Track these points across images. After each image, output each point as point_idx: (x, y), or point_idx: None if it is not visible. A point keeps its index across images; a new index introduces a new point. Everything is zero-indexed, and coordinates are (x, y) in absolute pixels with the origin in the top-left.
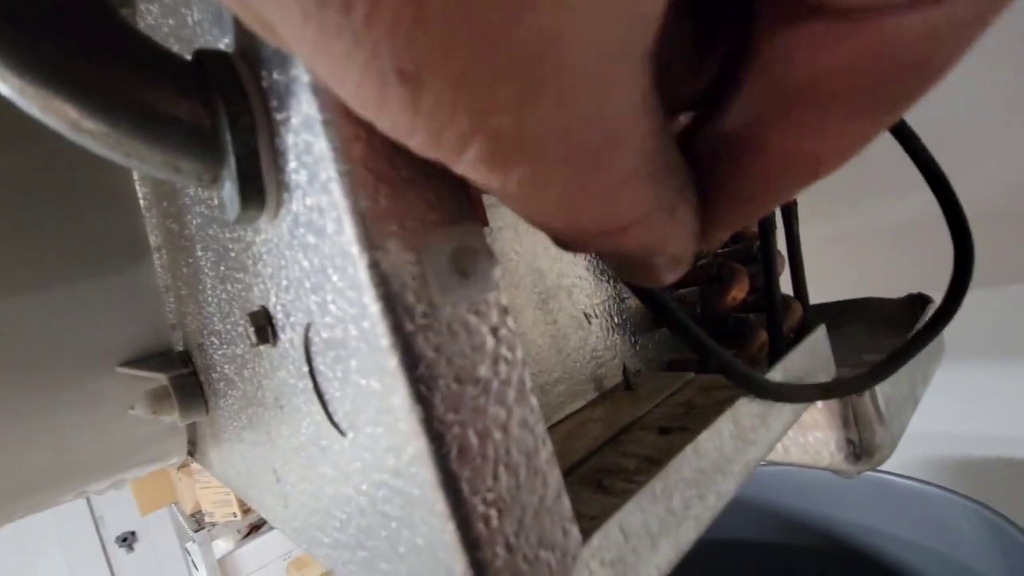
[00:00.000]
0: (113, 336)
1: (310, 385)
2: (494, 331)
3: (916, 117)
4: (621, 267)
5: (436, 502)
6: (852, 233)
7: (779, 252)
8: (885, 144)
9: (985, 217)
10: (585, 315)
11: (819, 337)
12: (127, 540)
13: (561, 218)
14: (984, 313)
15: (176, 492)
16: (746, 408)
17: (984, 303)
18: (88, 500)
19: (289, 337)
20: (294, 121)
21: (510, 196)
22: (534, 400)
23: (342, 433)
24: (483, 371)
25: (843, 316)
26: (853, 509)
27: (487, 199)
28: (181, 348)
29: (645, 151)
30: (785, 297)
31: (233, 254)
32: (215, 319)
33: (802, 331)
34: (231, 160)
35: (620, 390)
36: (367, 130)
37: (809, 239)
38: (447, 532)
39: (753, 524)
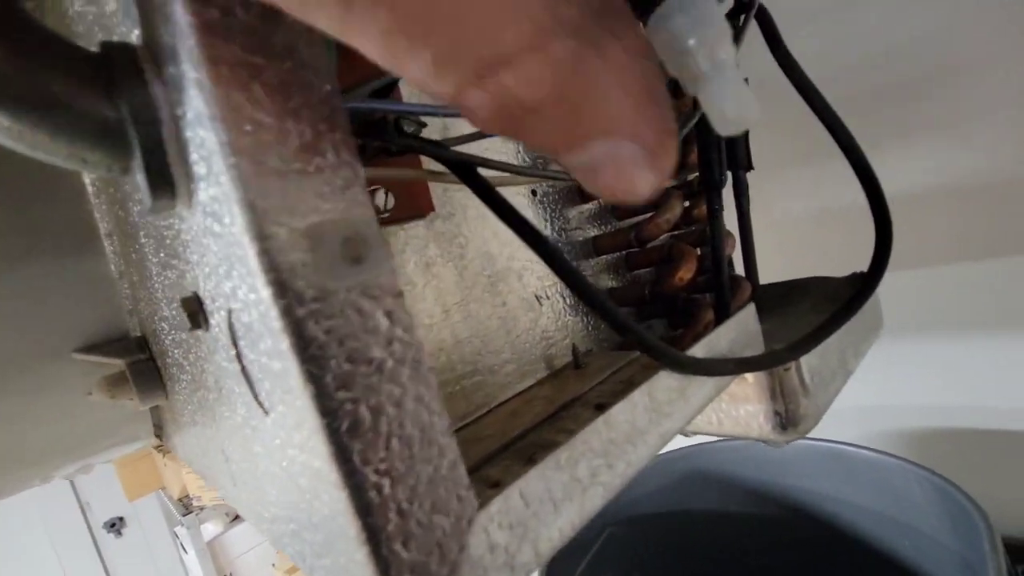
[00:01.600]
0: (67, 323)
1: (239, 368)
2: (388, 314)
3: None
4: (580, 170)
5: (331, 473)
6: (805, 216)
7: (730, 233)
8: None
9: (936, 196)
10: (536, 297)
11: (748, 315)
12: (115, 526)
13: (430, 41)
14: (932, 290)
15: (162, 477)
16: (664, 382)
17: (932, 281)
18: (74, 487)
19: (217, 321)
20: (189, 116)
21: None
22: (431, 377)
23: (265, 412)
24: (376, 352)
25: (791, 295)
26: (811, 479)
27: (439, 190)
28: (138, 334)
29: None
30: (736, 277)
31: (168, 241)
32: (163, 305)
33: None
34: (137, 152)
35: (569, 369)
36: (255, 124)
37: (764, 222)
38: (341, 500)
39: (716, 496)
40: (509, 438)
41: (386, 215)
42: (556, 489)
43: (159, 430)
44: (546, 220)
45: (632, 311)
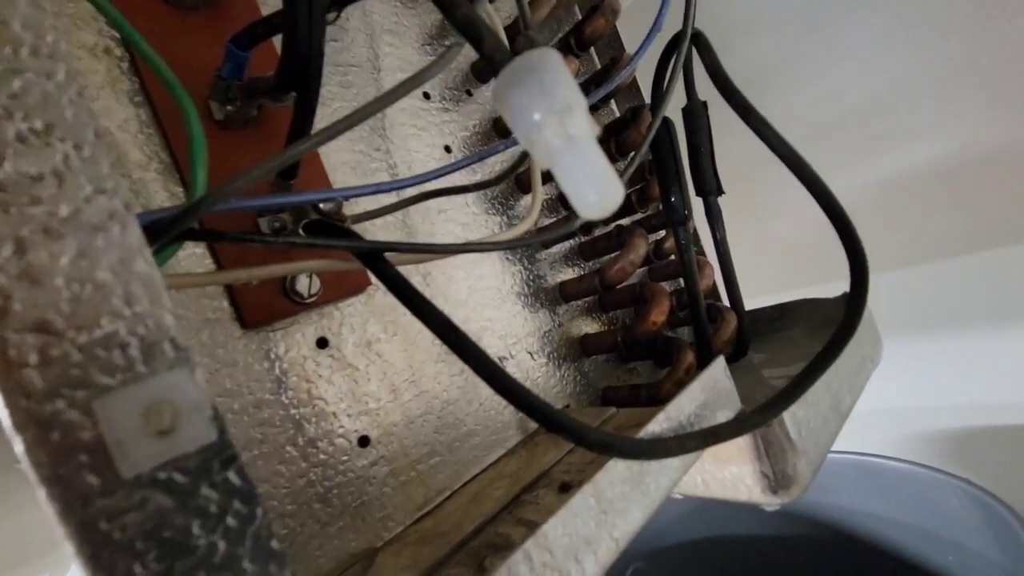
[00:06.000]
0: None
1: None
2: (216, 486)
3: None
4: None
5: None
6: (802, 223)
7: (707, 262)
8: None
9: (949, 181)
10: (499, 359)
11: (716, 371)
12: None
13: None
14: (948, 284)
15: None
16: (613, 474)
17: (955, 273)
18: None
19: None
20: None
21: None
22: (282, 550)
23: None
24: (201, 537)
25: (783, 319)
26: (844, 495)
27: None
28: None
29: None
30: (719, 307)
31: None
32: None
33: (740, 341)
34: None
35: (542, 433)
36: (5, 294)
37: (757, 235)
38: None
39: (744, 520)
40: (466, 534)
41: (312, 299)
42: None
43: None
44: (507, 271)
45: (613, 355)
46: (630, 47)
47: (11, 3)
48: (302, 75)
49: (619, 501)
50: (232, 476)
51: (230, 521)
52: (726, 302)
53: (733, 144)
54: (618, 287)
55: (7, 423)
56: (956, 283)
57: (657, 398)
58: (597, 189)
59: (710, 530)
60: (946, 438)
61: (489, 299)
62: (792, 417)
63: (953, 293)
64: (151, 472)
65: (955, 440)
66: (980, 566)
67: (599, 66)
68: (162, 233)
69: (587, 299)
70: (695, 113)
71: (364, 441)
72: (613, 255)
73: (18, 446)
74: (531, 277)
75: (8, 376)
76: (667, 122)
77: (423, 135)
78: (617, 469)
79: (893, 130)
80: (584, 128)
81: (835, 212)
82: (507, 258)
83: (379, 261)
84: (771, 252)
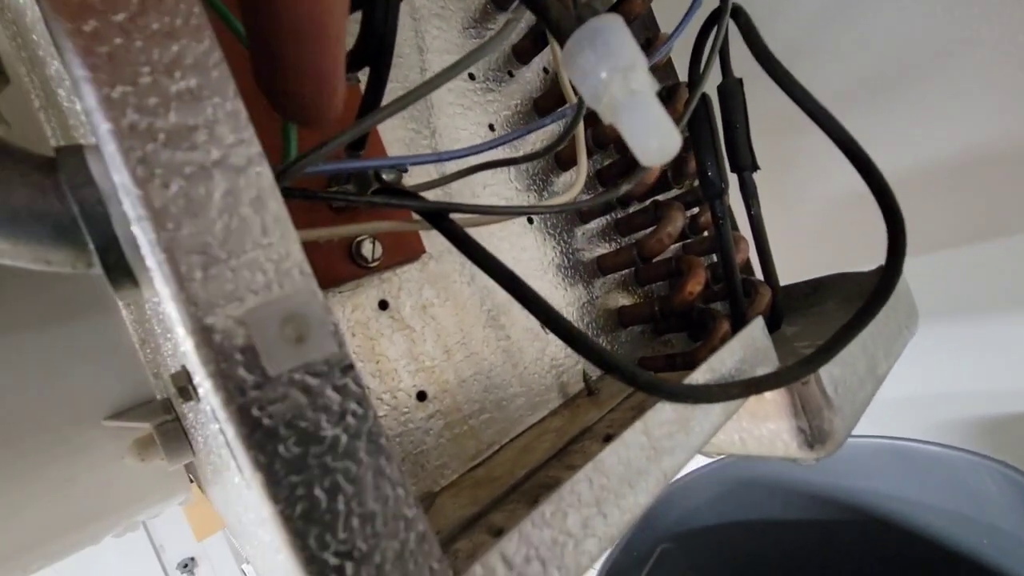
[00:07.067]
0: (94, 391)
1: (224, 440)
2: (338, 389)
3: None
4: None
5: (288, 560)
6: (835, 202)
7: (743, 237)
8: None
9: (990, 164)
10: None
11: (755, 330)
12: (187, 566)
13: None
14: (988, 267)
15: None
16: (661, 415)
17: (989, 257)
18: (148, 531)
19: (204, 393)
20: (127, 215)
21: None
22: (391, 448)
23: (248, 486)
24: (328, 430)
25: (816, 294)
26: (877, 479)
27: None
28: (163, 396)
29: None
30: (753, 282)
31: (161, 316)
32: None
33: (774, 315)
34: (91, 249)
35: (582, 396)
36: (176, 221)
37: (789, 215)
38: None
39: (775, 503)
40: (519, 477)
41: (375, 264)
42: (543, 547)
43: (198, 483)
44: (548, 244)
45: (648, 327)
46: (662, 23)
47: None
48: (377, 51)
49: (666, 440)
50: (350, 383)
51: (349, 419)
52: (760, 277)
53: (767, 120)
54: (655, 260)
55: (180, 328)
56: (993, 267)
57: (693, 366)
58: (658, 137)
59: (740, 513)
60: (982, 424)
61: (531, 270)
62: (829, 375)
63: (990, 277)
64: (289, 373)
65: (991, 426)
66: (1016, 549)
67: None
68: None
69: (623, 272)
70: (731, 90)
71: (422, 396)
72: (649, 229)
73: (188, 345)
74: (570, 250)
75: (181, 288)
76: (704, 97)
77: (468, 114)
78: (665, 410)
79: (930, 109)
80: (646, 83)
81: (877, 182)
82: (548, 232)
83: (445, 220)
84: (802, 233)
